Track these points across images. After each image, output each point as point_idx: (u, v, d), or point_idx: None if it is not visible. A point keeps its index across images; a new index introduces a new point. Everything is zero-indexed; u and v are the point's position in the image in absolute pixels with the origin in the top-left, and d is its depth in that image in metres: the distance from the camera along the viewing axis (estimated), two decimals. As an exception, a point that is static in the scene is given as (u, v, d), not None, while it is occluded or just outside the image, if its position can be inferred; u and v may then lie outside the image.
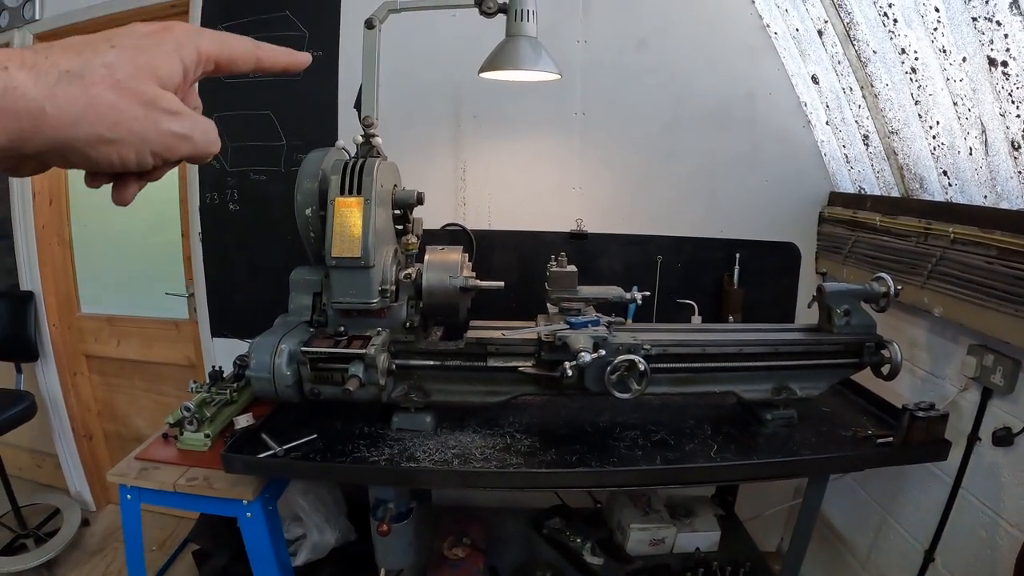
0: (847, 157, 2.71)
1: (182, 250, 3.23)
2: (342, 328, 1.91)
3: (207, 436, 2.24)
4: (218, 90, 2.90)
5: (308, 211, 1.97)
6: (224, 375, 2.51)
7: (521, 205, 2.91)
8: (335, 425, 2.13)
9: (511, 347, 2.02)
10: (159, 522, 3.60)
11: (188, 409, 2.22)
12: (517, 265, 2.90)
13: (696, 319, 2.86)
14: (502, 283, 2.03)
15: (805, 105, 2.78)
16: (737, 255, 2.86)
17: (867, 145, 2.53)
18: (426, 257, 2.00)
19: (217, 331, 3.13)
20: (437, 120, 2.86)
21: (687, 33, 2.76)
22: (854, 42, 2.30)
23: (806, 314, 2.76)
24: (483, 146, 2.88)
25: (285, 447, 1.94)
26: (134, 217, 3.56)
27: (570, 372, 1.78)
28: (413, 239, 2.00)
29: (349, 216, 1.82)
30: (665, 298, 2.92)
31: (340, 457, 1.94)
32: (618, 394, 1.89)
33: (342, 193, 1.84)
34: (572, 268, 2.11)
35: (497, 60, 1.98)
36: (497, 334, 2.02)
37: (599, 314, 2.06)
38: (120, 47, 0.43)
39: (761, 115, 2.81)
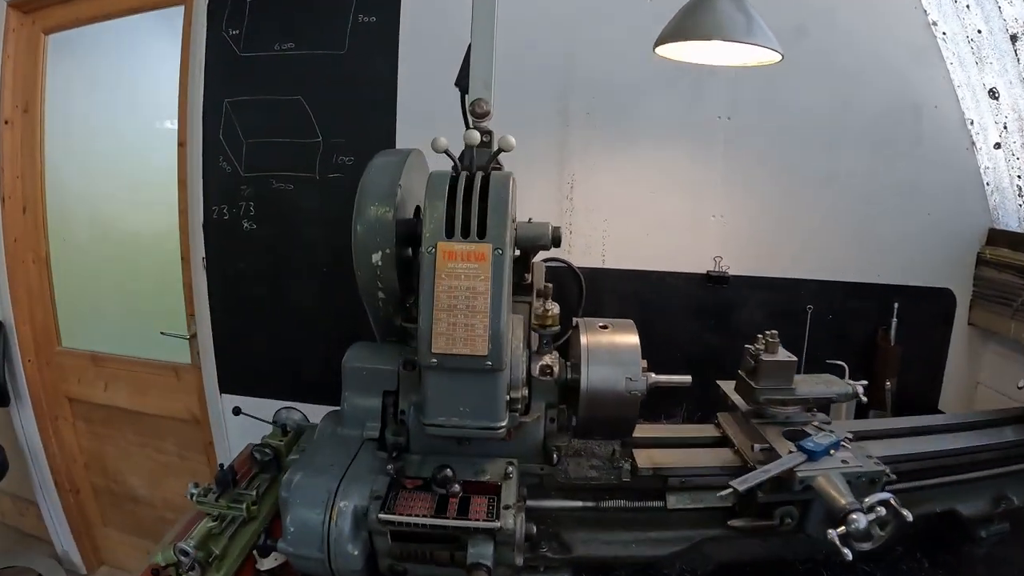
0: (1020, 190, 2.09)
1: (182, 278, 2.35)
2: (448, 470, 1.03)
3: (216, 584, 1.38)
4: (231, 65, 2.04)
5: (377, 256, 1.10)
6: (237, 476, 1.65)
7: (645, 236, 2.09)
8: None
9: (701, 479, 1.20)
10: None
11: (185, 553, 1.35)
12: (635, 316, 2.04)
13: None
14: (688, 378, 1.17)
15: (971, 123, 2.09)
16: (895, 305, 2.12)
17: None
18: (584, 340, 1.13)
19: (227, 386, 2.28)
20: (537, 117, 2.02)
21: (850, 23, 2.01)
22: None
23: (958, 374, 2.21)
24: (597, 156, 2.05)
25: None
26: (125, 231, 2.69)
27: (846, 553, 1.02)
28: (554, 309, 1.12)
29: (465, 279, 0.95)
30: (812, 358, 2.11)
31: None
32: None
33: (450, 235, 0.97)
34: (789, 356, 1.27)
35: (687, 27, 1.22)
36: (672, 455, 1.18)
37: (828, 422, 1.24)
38: None
39: (927, 133, 2.08)
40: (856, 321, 2.17)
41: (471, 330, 0.95)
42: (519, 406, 1.06)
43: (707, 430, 1.40)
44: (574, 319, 1.18)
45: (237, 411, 1.96)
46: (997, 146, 2.09)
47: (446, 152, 1.05)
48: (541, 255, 1.97)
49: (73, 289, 2.82)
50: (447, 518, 0.97)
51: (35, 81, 2.65)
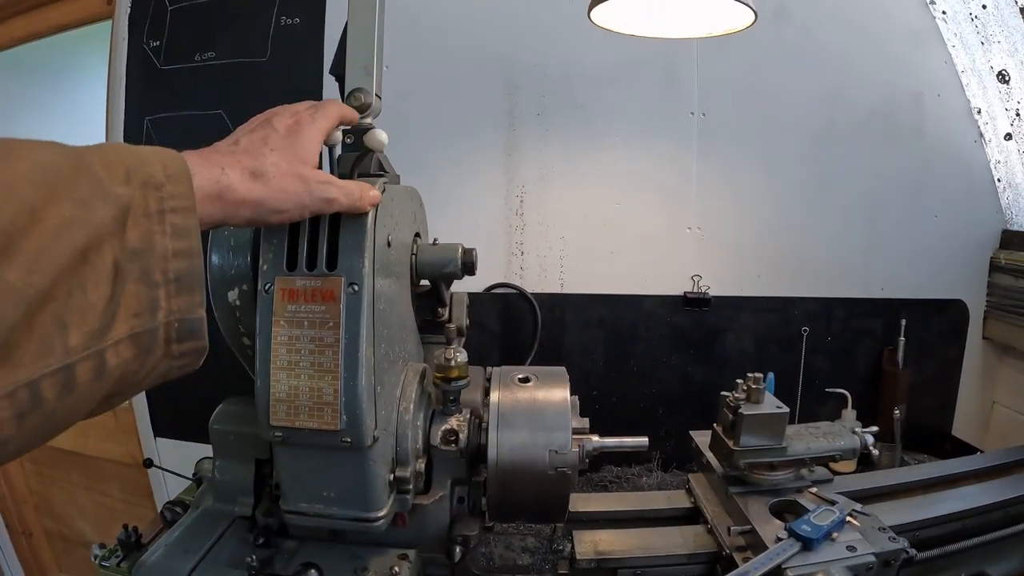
0: None
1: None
2: (312, 572, 0.76)
3: None
4: (151, 80, 1.79)
5: (234, 295, 0.83)
6: (142, 538, 1.40)
7: (610, 255, 1.76)
8: None
9: (659, 569, 0.90)
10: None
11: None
12: (603, 348, 1.76)
13: (848, 414, 1.75)
14: (645, 440, 0.86)
15: (978, 113, 1.82)
16: (903, 322, 1.79)
17: None
18: (495, 397, 0.83)
19: (162, 429, 2.00)
20: (479, 120, 1.71)
21: (836, 4, 1.74)
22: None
23: (971, 392, 1.91)
24: (551, 162, 1.73)
25: None
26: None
27: None
28: (460, 358, 0.83)
29: (310, 326, 0.68)
30: (810, 385, 1.82)
31: None
32: None
33: (292, 268, 0.69)
34: (780, 408, 0.96)
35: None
36: (623, 538, 0.90)
37: (830, 480, 0.94)
38: (277, 150, 0.60)
39: (930, 124, 1.79)
40: (859, 342, 1.86)
41: (318, 395, 0.66)
42: (409, 486, 0.78)
43: (677, 498, 1.11)
44: (487, 369, 0.89)
45: (148, 463, 1.68)
46: (1008, 137, 1.82)
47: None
48: (487, 280, 1.72)
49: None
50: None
51: None
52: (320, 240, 0.69)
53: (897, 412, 1.76)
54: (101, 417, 1.79)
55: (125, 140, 1.86)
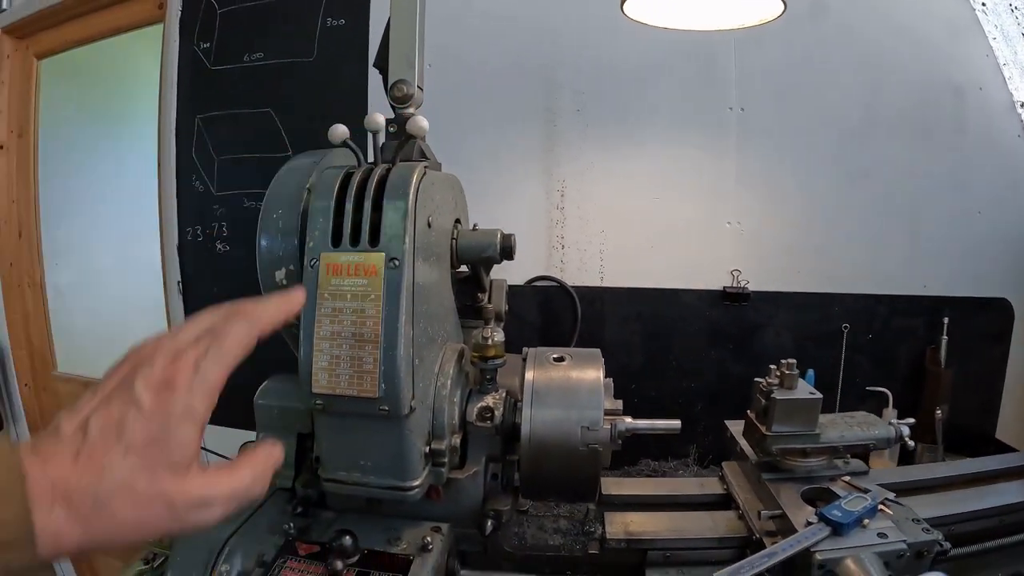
0: None
1: (164, 305, 2.17)
2: (348, 538, 0.79)
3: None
4: (202, 80, 1.88)
5: (281, 274, 0.88)
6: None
7: (649, 248, 1.78)
8: None
9: (689, 552, 0.92)
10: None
11: None
12: (641, 340, 1.78)
13: (889, 413, 1.73)
14: (678, 423, 0.88)
15: (1022, 107, 1.77)
16: (945, 321, 1.76)
17: None
18: (529, 376, 0.86)
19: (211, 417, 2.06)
20: (519, 115, 1.75)
21: None
22: None
23: (1017, 392, 1.84)
24: (591, 157, 1.76)
25: None
26: (116, 255, 2.56)
27: None
28: (497, 337, 0.86)
29: (352, 299, 0.72)
30: (850, 383, 1.79)
31: None
32: None
33: (336, 244, 0.74)
34: (814, 394, 0.96)
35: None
36: (655, 519, 0.91)
37: (865, 472, 0.94)
38: (132, 449, 0.41)
39: (972, 119, 1.75)
40: (900, 340, 1.83)
41: (358, 365, 0.70)
42: (444, 459, 0.81)
43: (710, 484, 1.11)
44: (524, 349, 0.92)
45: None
46: None
47: (346, 143, 0.82)
48: (528, 273, 1.75)
49: (67, 314, 2.69)
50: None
51: (28, 106, 2.56)
52: (363, 218, 0.73)
53: (939, 412, 1.73)
54: None
55: (176, 137, 1.96)
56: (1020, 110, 1.77)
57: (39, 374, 2.69)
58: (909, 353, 1.83)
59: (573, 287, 1.76)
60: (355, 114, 1.70)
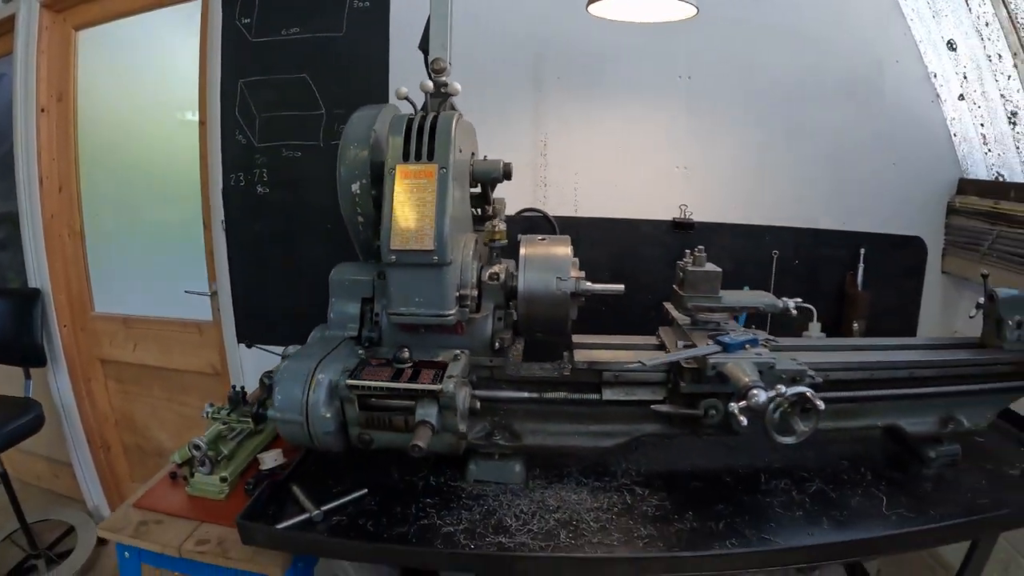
0: (984, 138, 2.23)
1: (204, 242, 2.66)
2: (405, 351, 1.31)
3: (223, 480, 1.66)
4: (244, 50, 2.33)
5: (356, 186, 1.38)
6: (247, 396, 1.93)
7: (614, 188, 2.33)
8: (391, 474, 1.54)
9: (634, 374, 1.42)
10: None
11: (198, 447, 1.64)
12: (608, 260, 2.31)
13: (814, 326, 2.27)
14: (622, 287, 1.42)
15: (934, 76, 2.26)
16: (862, 251, 2.30)
17: (1013, 124, 2.10)
18: (523, 251, 1.39)
19: (245, 337, 2.57)
20: (513, 82, 2.28)
21: None
22: (1008, 1, 1.92)
23: (932, 319, 2.40)
24: (568, 116, 2.30)
25: (324, 508, 1.36)
26: (152, 203, 3.02)
27: (742, 419, 1.18)
28: (501, 226, 1.39)
29: (417, 191, 1.22)
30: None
31: (400, 525, 1.34)
32: (779, 438, 1.29)
33: (406, 159, 1.24)
34: (714, 268, 1.50)
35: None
36: (610, 355, 1.42)
37: (754, 329, 1.45)
38: None
39: (890, 88, 2.27)
40: (825, 268, 2.34)
41: (421, 229, 1.22)
42: (468, 303, 1.33)
43: (649, 340, 1.61)
44: (519, 236, 1.44)
45: (249, 344, 2.26)
46: (961, 97, 2.23)
47: (406, 98, 1.33)
48: (518, 205, 2.26)
49: (106, 258, 3.13)
50: (400, 382, 1.24)
51: (67, 73, 2.95)
52: (423, 143, 1.24)
53: (856, 325, 2.26)
54: (186, 333, 2.54)
55: (222, 99, 2.42)
56: (933, 80, 2.25)
57: (77, 315, 3.14)
58: (832, 277, 2.36)
59: (553, 216, 2.29)
60: (377, 79, 2.19)
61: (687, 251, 1.52)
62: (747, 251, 2.31)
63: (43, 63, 2.91)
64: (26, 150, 2.92)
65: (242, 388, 1.92)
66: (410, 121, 1.28)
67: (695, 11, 1.54)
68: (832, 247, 2.33)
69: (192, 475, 1.69)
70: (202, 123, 2.54)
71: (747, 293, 1.56)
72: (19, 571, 2.90)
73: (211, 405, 1.89)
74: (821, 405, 1.26)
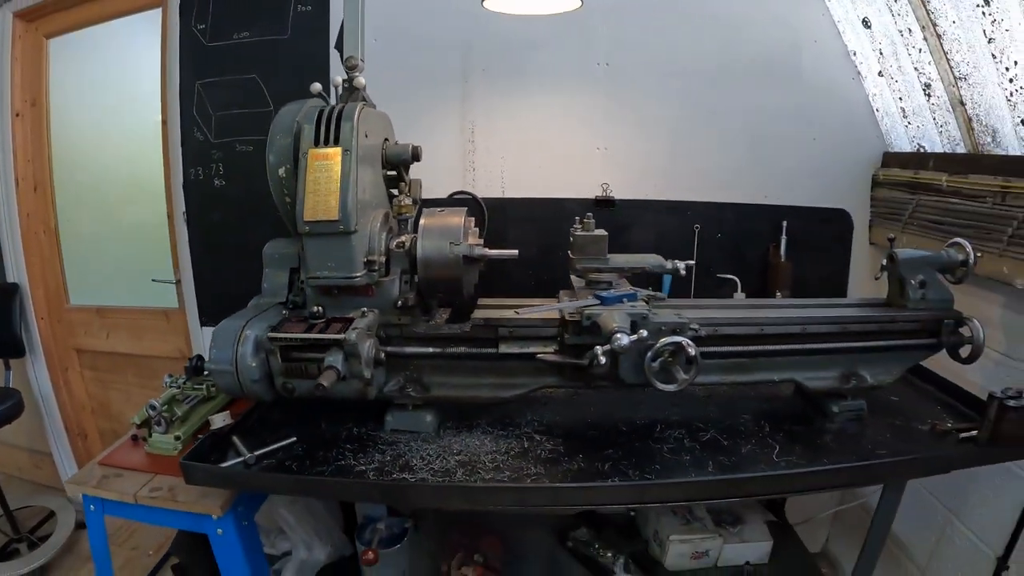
0: (904, 111, 2.33)
1: (168, 234, 2.88)
2: (318, 309, 1.54)
3: (177, 439, 1.89)
4: (200, 54, 2.55)
5: (282, 171, 1.60)
6: (204, 367, 2.15)
7: (539, 170, 2.53)
8: (319, 426, 1.77)
9: (527, 329, 1.65)
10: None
11: (154, 408, 1.87)
12: (535, 237, 2.50)
13: (739, 295, 2.48)
14: (515, 252, 1.65)
15: (854, 54, 2.40)
16: (784, 224, 2.47)
17: (928, 96, 2.17)
18: (421, 221, 1.61)
19: (207, 320, 2.78)
20: (441, 76, 2.48)
21: None
22: (914, -23, 1.97)
23: (861, 290, 2.54)
24: (494, 104, 2.50)
25: (256, 453, 1.59)
26: (120, 197, 3.24)
27: (602, 359, 1.40)
28: (407, 201, 1.62)
29: (325, 170, 1.45)
30: (704, 273, 2.52)
31: (320, 466, 1.57)
32: (661, 385, 1.52)
33: (317, 144, 1.47)
34: (601, 232, 1.72)
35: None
36: (510, 313, 1.65)
37: (635, 287, 1.67)
38: None
39: (807, 67, 2.42)
40: (749, 241, 2.51)
41: (328, 203, 1.44)
42: (377, 268, 1.55)
43: (550, 302, 1.76)
44: (422, 208, 1.67)
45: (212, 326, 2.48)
46: (880, 74, 2.33)
47: (319, 94, 1.56)
48: (449, 189, 2.48)
49: (80, 253, 3.33)
50: (312, 333, 1.46)
51: (40, 79, 3.13)
52: (331, 130, 1.47)
53: (779, 294, 2.42)
54: (154, 320, 2.80)
55: (180, 99, 2.64)
56: (853, 57, 2.38)
57: (54, 308, 3.33)
58: (755, 249, 2.52)
59: (482, 198, 2.49)
60: (319, 77, 2.43)
61: (577, 219, 1.74)
62: (670, 226, 2.50)
63: (17, 70, 3.09)
64: (2, 153, 3.11)
65: (198, 357, 2.14)
66: (320, 112, 1.50)
67: (579, 3, 1.75)
68: (755, 220, 2.49)
69: (151, 435, 1.91)
70: (164, 122, 2.74)
71: (634, 256, 1.76)
72: (2, 554, 3.08)
73: (170, 375, 2.11)
74: (693, 351, 1.45)
